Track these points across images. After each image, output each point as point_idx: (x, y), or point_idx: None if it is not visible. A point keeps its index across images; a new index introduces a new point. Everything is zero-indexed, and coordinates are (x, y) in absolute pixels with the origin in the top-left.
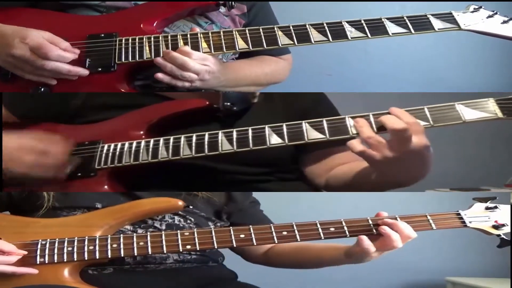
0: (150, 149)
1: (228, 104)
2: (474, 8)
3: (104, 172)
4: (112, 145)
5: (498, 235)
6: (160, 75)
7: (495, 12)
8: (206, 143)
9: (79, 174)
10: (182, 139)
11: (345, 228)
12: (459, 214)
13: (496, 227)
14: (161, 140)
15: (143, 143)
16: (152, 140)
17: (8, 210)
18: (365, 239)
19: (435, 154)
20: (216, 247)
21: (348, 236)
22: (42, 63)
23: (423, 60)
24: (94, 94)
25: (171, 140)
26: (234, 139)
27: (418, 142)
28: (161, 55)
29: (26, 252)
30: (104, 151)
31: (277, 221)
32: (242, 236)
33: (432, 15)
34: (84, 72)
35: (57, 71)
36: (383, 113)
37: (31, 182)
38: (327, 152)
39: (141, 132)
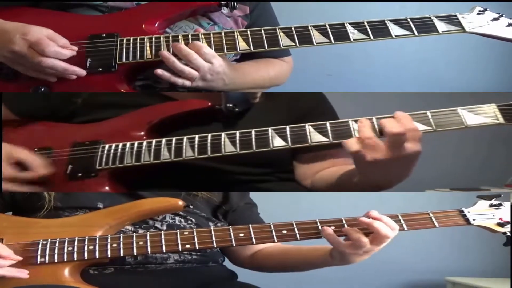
0: (152, 150)
1: (231, 105)
2: (480, 11)
3: (105, 172)
4: (114, 145)
5: (504, 233)
6: (159, 71)
7: (500, 14)
8: (209, 144)
9: (80, 174)
10: (185, 140)
11: (346, 226)
12: (462, 211)
13: (501, 224)
14: (163, 141)
15: (144, 143)
16: (154, 141)
17: (11, 210)
18: (353, 232)
19: (435, 154)
20: (215, 247)
21: None
22: (40, 59)
23: (423, 60)
24: (95, 93)
25: (173, 141)
26: (237, 141)
27: (411, 148)
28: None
29: (21, 258)
30: (105, 151)
31: (277, 221)
32: (241, 235)
33: (436, 17)
34: (81, 72)
35: (53, 68)
36: (387, 116)
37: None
38: (315, 156)
39: (142, 133)
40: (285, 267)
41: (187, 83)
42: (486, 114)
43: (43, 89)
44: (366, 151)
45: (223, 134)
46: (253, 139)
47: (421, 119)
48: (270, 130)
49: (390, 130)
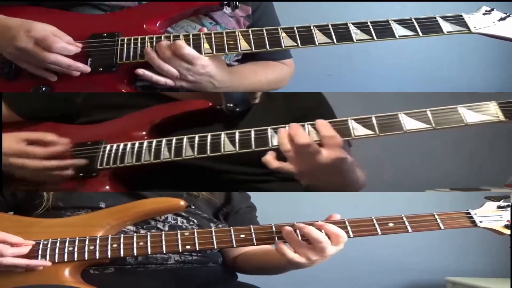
0: (153, 150)
1: (231, 105)
2: (486, 11)
3: (106, 172)
4: (115, 145)
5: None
6: (140, 71)
7: (507, 14)
8: (208, 144)
9: (81, 174)
10: (185, 140)
11: (349, 228)
12: (468, 213)
13: (509, 227)
14: (164, 140)
15: (145, 143)
16: (154, 141)
17: (12, 211)
18: (281, 245)
19: (435, 154)
20: (216, 247)
21: (352, 236)
22: (44, 55)
23: (423, 60)
24: (96, 93)
25: (174, 141)
26: (237, 140)
27: (328, 156)
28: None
29: (34, 242)
30: (106, 151)
31: (277, 221)
32: (242, 236)
33: (441, 17)
34: (85, 68)
35: (58, 64)
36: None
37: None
38: None
39: (144, 133)
40: (258, 270)
41: (170, 82)
42: (486, 112)
43: (44, 88)
44: (290, 164)
45: (222, 134)
46: (253, 139)
47: (420, 118)
48: (269, 129)
49: (298, 141)
